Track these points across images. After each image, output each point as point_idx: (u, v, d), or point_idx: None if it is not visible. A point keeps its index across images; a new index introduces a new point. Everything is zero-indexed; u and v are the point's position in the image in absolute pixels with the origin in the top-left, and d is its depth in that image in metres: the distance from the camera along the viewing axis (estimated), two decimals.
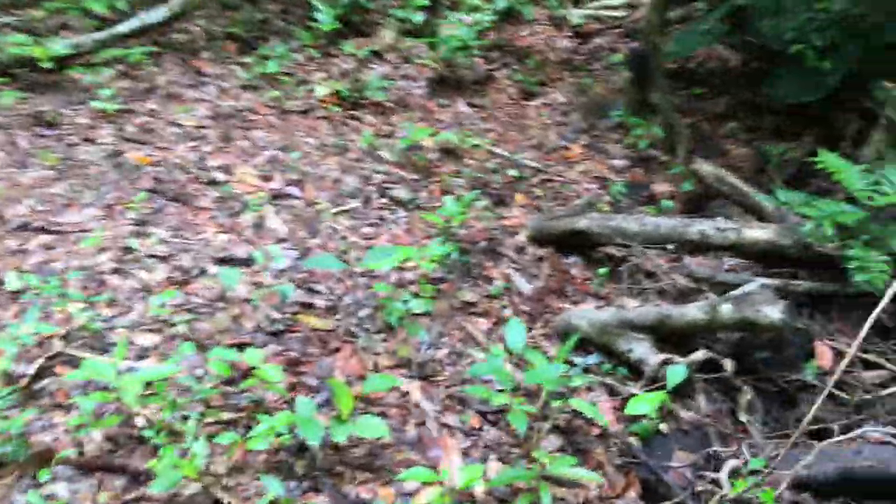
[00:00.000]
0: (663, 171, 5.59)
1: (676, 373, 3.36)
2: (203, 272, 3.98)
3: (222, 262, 4.12)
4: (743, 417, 3.45)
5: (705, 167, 4.97)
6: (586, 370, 3.82)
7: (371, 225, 4.63)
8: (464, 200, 4.45)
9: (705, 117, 6.38)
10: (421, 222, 4.70)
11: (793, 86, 5.73)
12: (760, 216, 4.61)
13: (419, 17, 6.89)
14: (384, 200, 4.84)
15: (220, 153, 5.01)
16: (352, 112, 5.85)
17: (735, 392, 3.54)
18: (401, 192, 4.88)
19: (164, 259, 4.00)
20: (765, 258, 4.08)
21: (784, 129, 5.99)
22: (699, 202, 5.07)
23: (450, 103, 6.29)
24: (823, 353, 3.66)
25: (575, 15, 7.67)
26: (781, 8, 6.05)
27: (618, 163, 5.76)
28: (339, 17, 6.70)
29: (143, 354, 3.39)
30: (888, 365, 3.57)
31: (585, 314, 3.93)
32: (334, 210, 4.68)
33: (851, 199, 4.02)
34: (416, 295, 4.02)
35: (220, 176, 4.78)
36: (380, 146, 5.39)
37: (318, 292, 4.00)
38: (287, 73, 6.12)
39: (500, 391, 3.19)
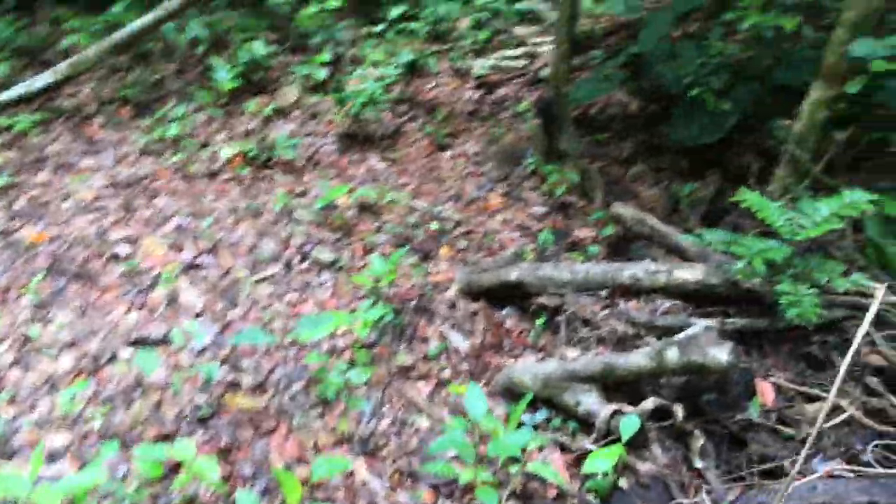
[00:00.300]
0: (582, 217, 5.62)
1: (630, 424, 3.30)
2: (114, 357, 3.65)
3: (136, 343, 3.81)
4: (698, 464, 3.40)
5: (625, 210, 5.03)
6: (535, 427, 3.70)
7: (295, 290, 4.40)
8: (392, 258, 4.29)
9: (611, 161, 6.50)
10: (347, 284, 4.50)
11: (693, 128, 5.94)
12: (683, 256, 4.68)
13: (322, 73, 6.77)
14: (306, 264, 4.62)
15: (123, 224, 4.68)
16: (261, 173, 5.63)
17: (686, 437, 3.50)
18: (322, 254, 4.68)
19: (69, 346, 3.65)
20: (695, 297, 4.12)
21: (687, 169, 6.18)
22: (620, 245, 5.11)
23: (362, 159, 6.15)
24: (765, 389, 3.69)
25: (478, 66, 7.75)
26: (675, 54, 6.30)
27: (537, 210, 5.76)
28: (239, 75, 6.50)
29: (54, 456, 3.03)
30: (827, 396, 3.62)
31: (527, 368, 3.82)
32: (254, 278, 4.42)
33: (770, 234, 4.13)
34: (351, 363, 3.81)
35: (124, 249, 4.45)
36: (295, 207, 5.18)
37: (244, 370, 3.74)
38: (189, 136, 5.83)
39: (459, 463, 3.01)
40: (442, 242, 5.18)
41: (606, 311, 4.14)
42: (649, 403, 3.44)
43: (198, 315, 4.06)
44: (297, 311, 4.24)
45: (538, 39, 8.15)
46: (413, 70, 7.09)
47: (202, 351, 3.75)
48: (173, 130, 5.72)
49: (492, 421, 3.03)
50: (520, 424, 3.64)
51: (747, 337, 3.95)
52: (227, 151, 5.74)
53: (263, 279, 4.44)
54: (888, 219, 4.57)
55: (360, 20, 7.97)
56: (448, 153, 6.43)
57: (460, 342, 4.24)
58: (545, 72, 7.56)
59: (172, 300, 4.11)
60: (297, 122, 6.45)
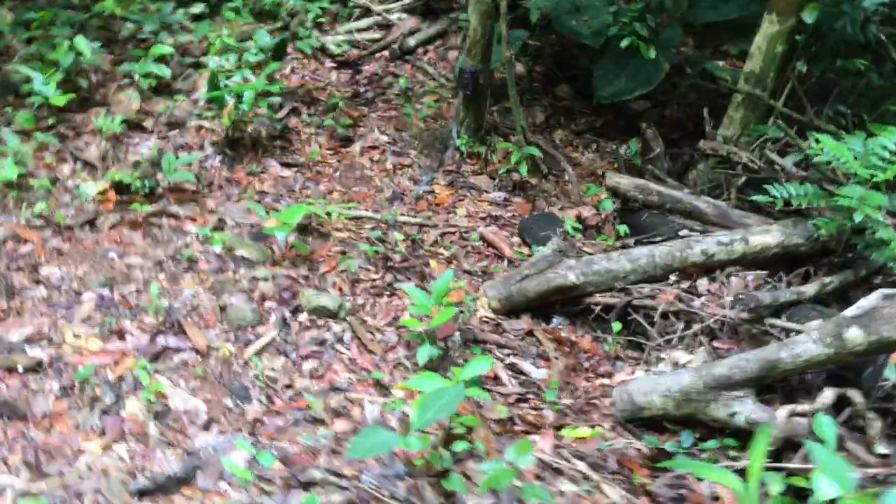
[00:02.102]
0: (555, 194, 4.99)
1: (826, 426, 2.77)
2: None
3: (142, 497, 2.52)
4: (881, 449, 2.98)
5: (622, 180, 4.49)
6: (690, 455, 3.05)
7: (309, 357, 3.26)
8: (438, 290, 3.31)
9: (531, 129, 5.92)
10: (367, 334, 3.45)
11: (621, 83, 5.54)
12: (702, 219, 4.27)
13: (166, 71, 5.31)
14: (303, 317, 3.47)
15: (15, 318, 3.16)
16: (153, 207, 4.21)
17: (858, 424, 3.07)
18: (313, 299, 3.54)
19: None
20: (776, 263, 3.70)
21: (623, 127, 5.81)
22: (626, 220, 4.55)
23: (262, 168, 4.91)
24: None
25: (331, 43, 6.67)
26: (578, 7, 5.85)
27: (496, 196, 5.01)
28: (63, 84, 4.87)
29: None
30: None
31: (652, 386, 3.14)
32: (250, 352, 3.20)
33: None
34: (448, 438, 2.84)
35: (39, 353, 2.98)
36: (234, 244, 3.91)
37: None
38: (30, 175, 4.21)
39: None
40: (422, 254, 4.25)
41: (695, 300, 3.56)
42: (828, 395, 2.95)
43: (206, 426, 2.80)
44: (328, 383, 3.12)
45: (384, 7, 7.23)
46: (279, 54, 5.85)
47: (242, 485, 2.55)
48: (7, 172, 4.06)
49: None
50: (669, 455, 2.99)
51: (842, 294, 3.61)
52: (89, 189, 4.22)
53: (261, 350, 3.22)
54: None
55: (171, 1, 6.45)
56: (356, 147, 5.40)
57: (534, 371, 3.42)
58: (412, 41, 6.74)
59: (160, 413, 2.80)
60: (157, 135, 4.99)
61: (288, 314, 3.45)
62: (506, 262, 4.29)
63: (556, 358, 3.42)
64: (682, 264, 3.66)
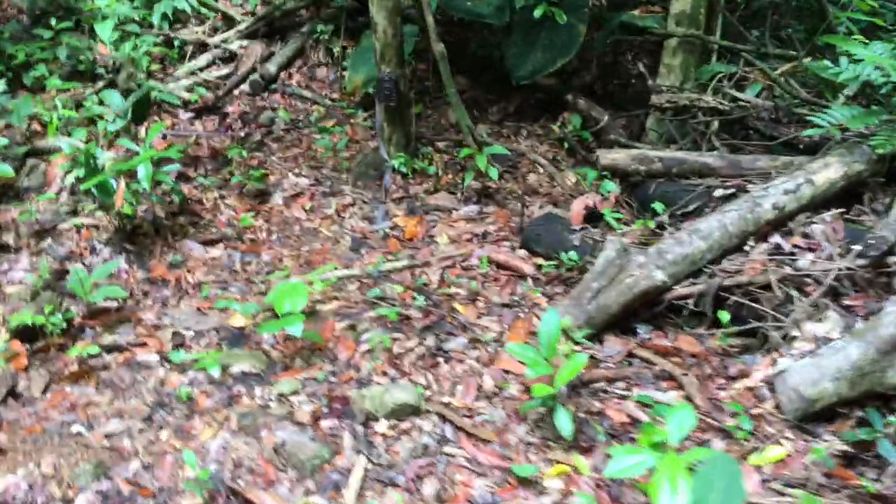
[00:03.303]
0: (524, 193, 4.39)
1: None
2: None
3: None
4: None
5: (618, 155, 4.00)
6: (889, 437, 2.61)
7: (423, 475, 2.44)
8: (548, 343, 2.61)
9: (438, 126, 5.29)
10: (464, 419, 2.68)
11: (537, 57, 5.05)
12: (711, 174, 3.90)
13: (6, 169, 4.08)
14: (382, 426, 2.61)
15: None
16: (83, 344, 3.10)
17: None
18: (386, 399, 2.70)
19: None
20: (840, 197, 3.38)
21: (545, 104, 5.33)
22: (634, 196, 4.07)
23: (182, 257, 3.88)
24: None
25: (178, 90, 5.56)
26: None
27: (467, 210, 4.32)
28: None
29: None
30: None
31: (817, 373, 2.66)
32: (350, 498, 2.32)
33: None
34: None
35: None
36: (224, 360, 2.94)
37: None
38: None
39: None
40: (437, 299, 3.50)
41: (799, 260, 3.13)
42: None
43: None
44: (466, 502, 2.33)
45: (220, 37, 6.23)
46: (141, 114, 4.71)
47: None
48: None
49: None
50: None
51: None
52: None
53: (362, 490, 2.35)
54: None
55: None
56: (277, 199, 4.47)
57: (664, 397, 2.83)
58: (272, 67, 5.82)
59: None
60: (28, 252, 3.80)
61: (360, 429, 2.58)
62: (530, 281, 3.65)
63: (685, 374, 2.85)
64: (756, 226, 3.23)
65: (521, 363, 2.75)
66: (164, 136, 5.06)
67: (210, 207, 4.34)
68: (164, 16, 6.00)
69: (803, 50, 4.47)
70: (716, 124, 4.36)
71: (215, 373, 2.82)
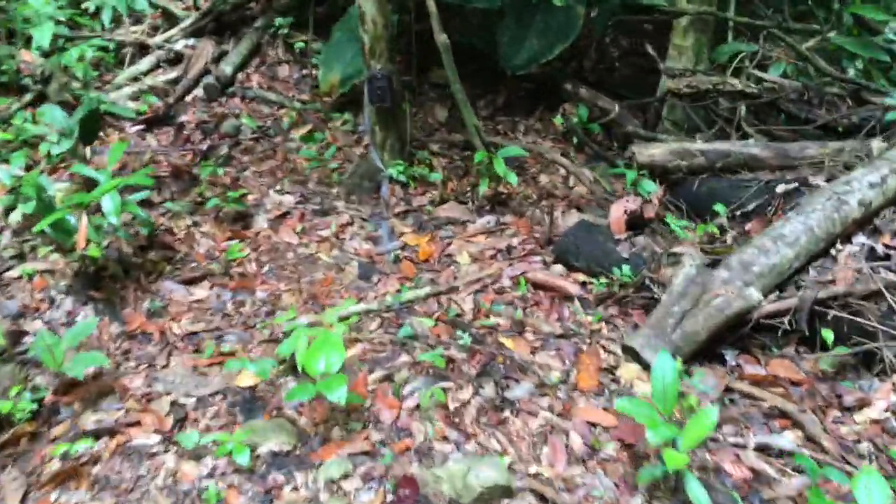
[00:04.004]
0: (541, 197, 3.92)
1: None
2: None
3: None
4: None
5: (655, 149, 3.57)
6: None
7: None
8: (666, 394, 2.15)
9: (426, 125, 4.77)
10: (563, 495, 2.19)
11: (532, 44, 4.57)
12: (758, 167, 3.52)
13: None
14: None
15: None
16: (62, 429, 2.49)
17: None
18: (471, 483, 2.19)
19: None
20: None
21: (524, 99, 4.87)
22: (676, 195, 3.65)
23: (162, 302, 3.27)
24: None
25: (123, 100, 4.84)
26: None
27: (484, 223, 3.81)
28: None
29: None
30: None
31: None
32: None
33: None
34: None
35: None
36: (250, 440, 2.37)
37: None
38: None
39: None
40: (477, 335, 3.00)
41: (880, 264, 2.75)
42: None
43: None
44: None
45: (163, 37, 5.52)
46: (91, 132, 4.01)
47: None
48: None
49: None
50: None
51: None
52: None
53: None
54: None
55: None
56: (261, 221, 3.87)
57: (780, 440, 2.42)
58: (227, 68, 5.16)
59: None
60: None
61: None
62: (577, 303, 3.18)
63: (803, 411, 2.44)
64: (843, 226, 2.85)
65: (608, 411, 2.30)
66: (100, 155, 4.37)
67: (183, 237, 3.71)
68: (97, 13, 5.25)
69: (828, 24, 4.12)
70: (743, 109, 3.97)
71: (243, 460, 2.25)
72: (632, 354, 2.67)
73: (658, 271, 3.05)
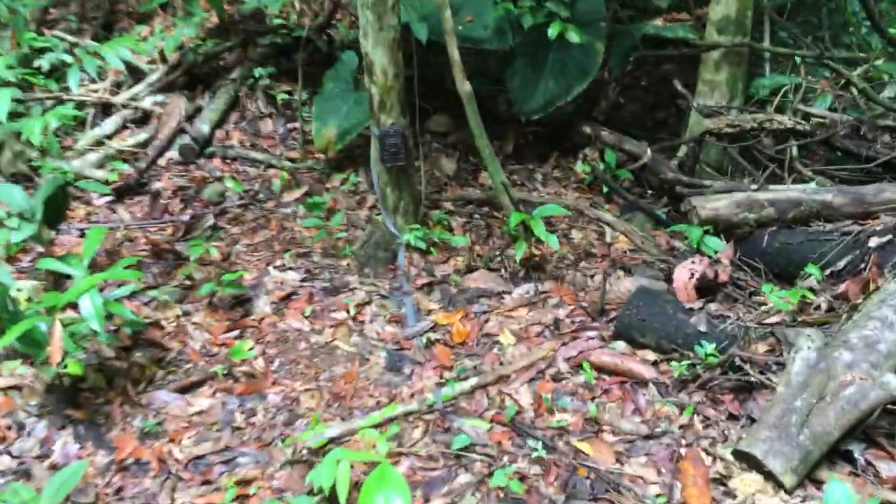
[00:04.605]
0: (576, 259, 3.47)
1: None
2: None
3: None
4: None
5: (719, 203, 3.14)
6: None
7: None
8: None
9: (443, 179, 4.31)
10: None
11: (549, 86, 4.16)
12: (833, 215, 3.12)
13: None
14: None
15: None
16: None
17: None
18: None
19: None
20: None
21: (534, 146, 4.45)
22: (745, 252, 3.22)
23: (156, 419, 2.71)
24: None
25: (90, 171, 4.27)
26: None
27: (521, 293, 3.33)
28: None
29: None
30: None
31: None
32: None
33: None
34: None
35: None
36: None
37: None
38: None
39: None
40: (544, 441, 2.50)
41: None
42: None
43: None
44: None
45: (128, 94, 4.98)
46: (58, 214, 3.43)
47: None
48: None
49: None
50: None
51: None
52: None
53: None
54: None
55: None
56: (263, 306, 3.34)
57: None
58: (204, 126, 4.64)
59: None
60: None
61: None
62: (653, 389, 2.71)
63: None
64: None
65: None
66: (82, 234, 3.81)
67: (173, 331, 3.16)
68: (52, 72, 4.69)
69: (870, 51, 3.78)
70: (794, 149, 3.58)
71: None
72: (748, 461, 2.19)
73: (748, 347, 2.60)
